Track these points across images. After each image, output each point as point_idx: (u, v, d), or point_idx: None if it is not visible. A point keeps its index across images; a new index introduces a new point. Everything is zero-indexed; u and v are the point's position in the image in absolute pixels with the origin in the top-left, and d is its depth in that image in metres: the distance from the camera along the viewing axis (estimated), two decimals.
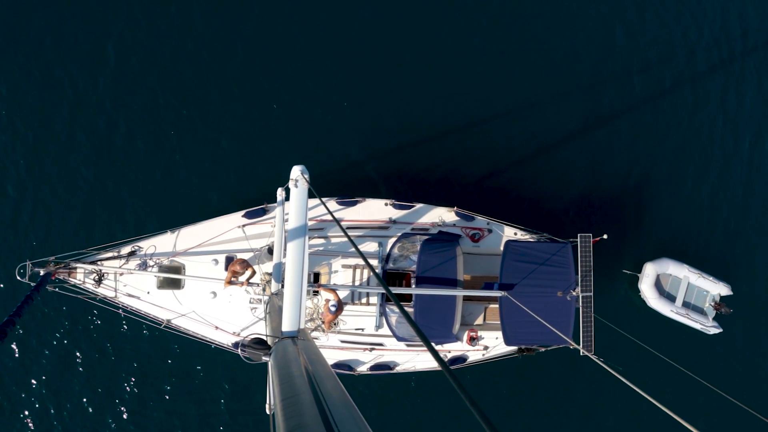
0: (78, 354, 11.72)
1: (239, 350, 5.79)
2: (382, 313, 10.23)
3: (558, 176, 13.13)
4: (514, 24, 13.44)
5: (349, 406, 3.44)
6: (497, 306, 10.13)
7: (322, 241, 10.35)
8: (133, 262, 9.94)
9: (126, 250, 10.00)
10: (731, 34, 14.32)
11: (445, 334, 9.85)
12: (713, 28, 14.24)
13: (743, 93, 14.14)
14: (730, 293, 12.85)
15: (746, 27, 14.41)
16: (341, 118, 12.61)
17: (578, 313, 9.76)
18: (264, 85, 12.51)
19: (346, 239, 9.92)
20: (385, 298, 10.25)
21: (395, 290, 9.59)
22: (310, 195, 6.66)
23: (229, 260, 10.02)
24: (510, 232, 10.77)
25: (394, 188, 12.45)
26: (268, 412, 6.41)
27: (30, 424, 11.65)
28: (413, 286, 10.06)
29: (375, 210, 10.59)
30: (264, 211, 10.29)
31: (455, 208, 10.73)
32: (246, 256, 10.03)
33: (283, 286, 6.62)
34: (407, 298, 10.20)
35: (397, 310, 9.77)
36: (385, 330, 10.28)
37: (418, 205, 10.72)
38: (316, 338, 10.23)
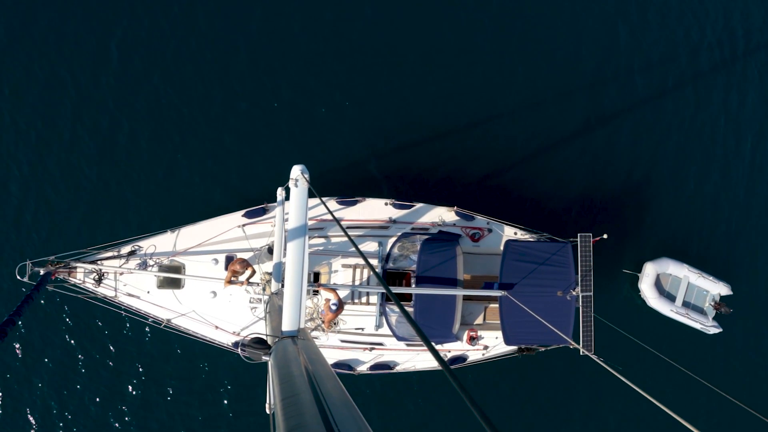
0: (80, 354, 11.75)
1: (239, 350, 5.79)
2: (382, 313, 10.25)
3: (558, 176, 13.14)
4: (516, 24, 13.43)
5: (349, 405, 3.45)
6: (497, 305, 10.14)
7: (322, 240, 10.36)
8: (133, 262, 9.96)
9: (126, 249, 10.01)
10: (734, 34, 14.30)
11: (445, 333, 9.86)
12: (716, 28, 14.21)
13: (745, 93, 14.12)
14: (730, 293, 12.84)
15: (749, 27, 14.38)
16: (343, 118, 12.63)
17: (578, 313, 9.76)
18: (266, 85, 12.53)
19: (346, 239, 9.95)
20: (385, 298, 10.26)
21: (395, 290, 9.59)
22: (310, 194, 6.66)
23: (229, 260, 10.04)
24: (510, 232, 10.78)
25: (395, 187, 12.46)
26: (268, 411, 6.44)
27: (33, 423, 11.70)
28: (413, 285, 10.07)
29: (375, 210, 10.60)
30: (264, 211, 10.30)
31: (455, 207, 10.74)
32: (246, 255, 10.04)
33: (283, 286, 6.65)
34: (407, 297, 10.20)
35: (397, 309, 9.78)
36: (385, 329, 10.30)
37: (418, 205, 10.73)
38: (316, 338, 10.25)
